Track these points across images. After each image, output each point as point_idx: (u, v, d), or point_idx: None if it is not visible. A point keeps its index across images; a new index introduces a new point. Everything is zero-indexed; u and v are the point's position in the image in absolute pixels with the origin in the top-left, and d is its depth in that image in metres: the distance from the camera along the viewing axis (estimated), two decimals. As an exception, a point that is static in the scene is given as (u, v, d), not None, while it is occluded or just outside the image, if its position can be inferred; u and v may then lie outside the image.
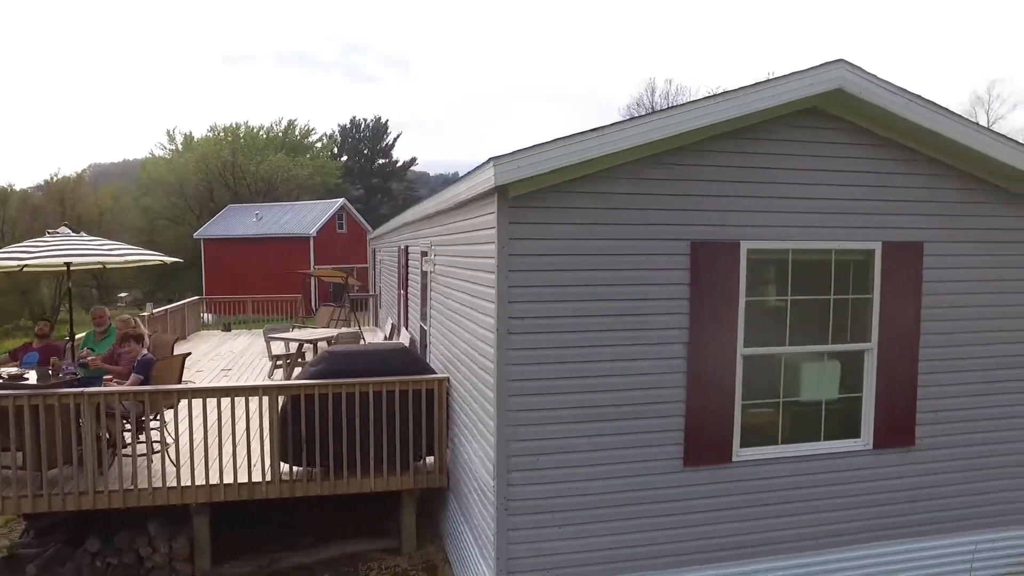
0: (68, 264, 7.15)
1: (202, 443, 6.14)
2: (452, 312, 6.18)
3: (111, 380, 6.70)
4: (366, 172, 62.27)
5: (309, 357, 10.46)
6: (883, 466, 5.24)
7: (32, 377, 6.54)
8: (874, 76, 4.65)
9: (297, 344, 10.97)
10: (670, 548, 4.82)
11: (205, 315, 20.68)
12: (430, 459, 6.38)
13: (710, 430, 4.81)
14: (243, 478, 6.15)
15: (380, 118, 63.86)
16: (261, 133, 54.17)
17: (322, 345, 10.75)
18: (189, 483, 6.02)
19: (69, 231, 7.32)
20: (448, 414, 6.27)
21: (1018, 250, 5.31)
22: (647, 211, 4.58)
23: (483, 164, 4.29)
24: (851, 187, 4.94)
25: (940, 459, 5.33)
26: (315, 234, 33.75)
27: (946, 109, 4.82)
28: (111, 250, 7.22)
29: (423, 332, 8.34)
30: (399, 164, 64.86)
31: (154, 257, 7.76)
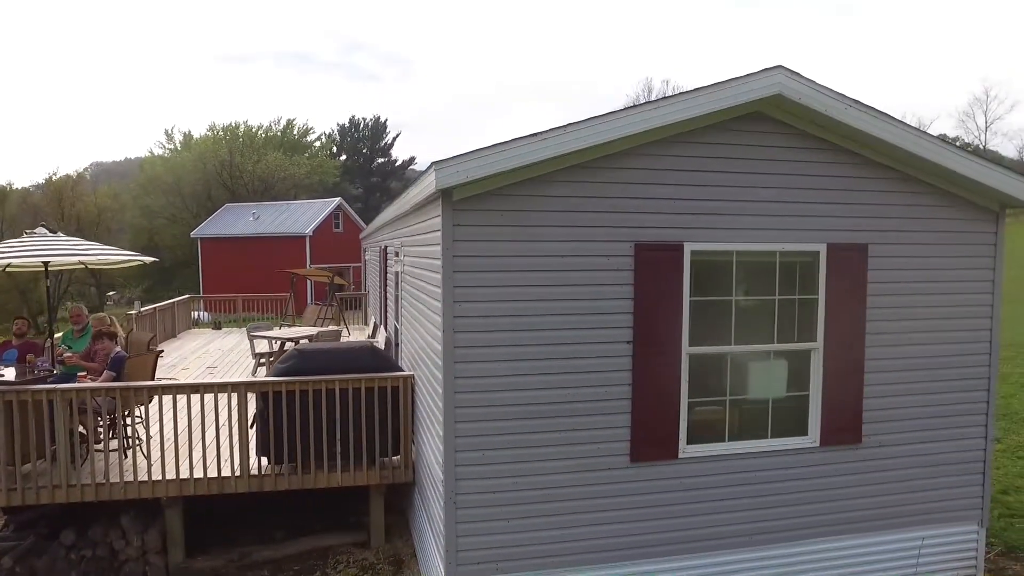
0: (46, 264, 7.31)
1: (173, 439, 6.29)
2: (414, 311, 6.33)
3: (86, 377, 6.86)
4: (365, 171, 62.44)
5: (291, 355, 10.61)
6: (830, 463, 5.37)
7: (9, 374, 6.71)
8: (813, 82, 4.78)
9: (280, 343, 11.14)
10: (617, 542, 4.96)
11: (201, 313, 20.87)
12: (397, 457, 6.53)
13: (656, 427, 4.94)
14: (213, 473, 6.30)
15: (379, 117, 64.04)
16: (260, 132, 54.36)
17: (303, 343, 10.91)
18: (160, 477, 6.17)
19: (47, 231, 7.48)
20: (413, 411, 6.42)
21: (960, 252, 5.44)
22: (591, 213, 4.72)
23: (428, 168, 4.43)
24: (795, 189, 5.07)
25: (886, 456, 5.45)
26: (311, 233, 33.91)
27: (885, 114, 4.95)
28: (87, 250, 7.38)
29: (396, 331, 8.49)
30: (398, 163, 65.01)
31: (131, 257, 7.91)
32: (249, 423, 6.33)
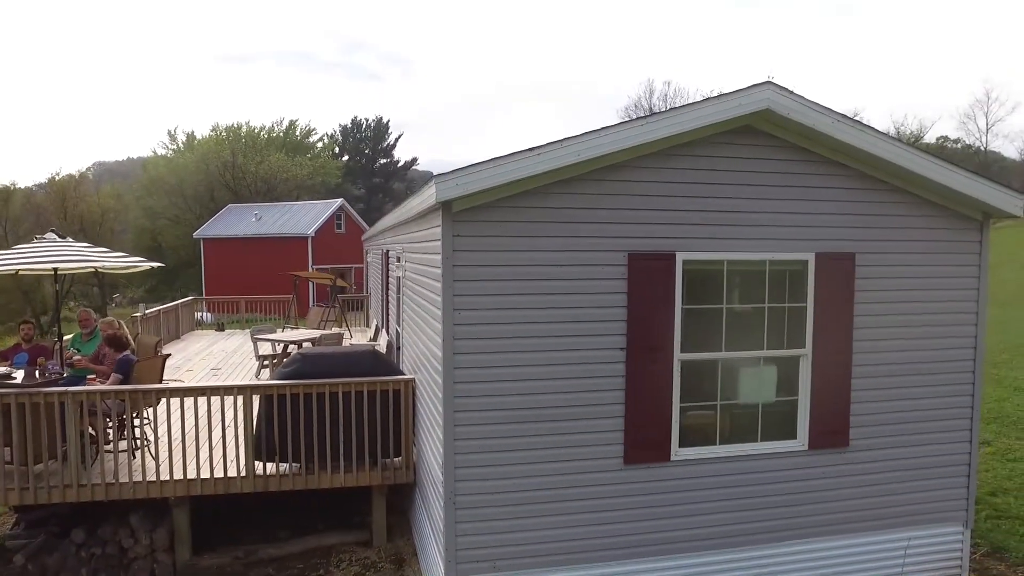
0: (56, 269, 7.50)
1: (181, 440, 6.46)
2: (415, 317, 6.50)
3: (95, 379, 7.03)
4: (367, 172, 62.67)
5: (294, 357, 10.79)
6: (818, 466, 5.53)
7: (20, 376, 6.89)
8: (801, 98, 4.95)
9: (283, 345, 11.31)
10: (611, 542, 5.13)
11: (204, 314, 21.06)
12: (398, 458, 6.70)
13: (649, 431, 5.11)
14: (219, 473, 6.47)
15: (381, 118, 64.28)
16: (262, 133, 54.60)
17: (307, 346, 11.08)
18: (168, 478, 6.34)
19: (56, 237, 7.66)
20: (414, 413, 6.59)
21: (945, 260, 5.60)
22: (587, 224, 4.88)
23: (429, 181, 4.60)
24: (784, 200, 5.23)
25: (873, 459, 5.61)
26: (313, 234, 34.12)
27: (872, 128, 5.11)
28: (96, 256, 7.55)
29: (397, 335, 8.67)
30: (400, 164, 65.25)
31: (139, 263, 8.09)
32: (254, 426, 6.50)
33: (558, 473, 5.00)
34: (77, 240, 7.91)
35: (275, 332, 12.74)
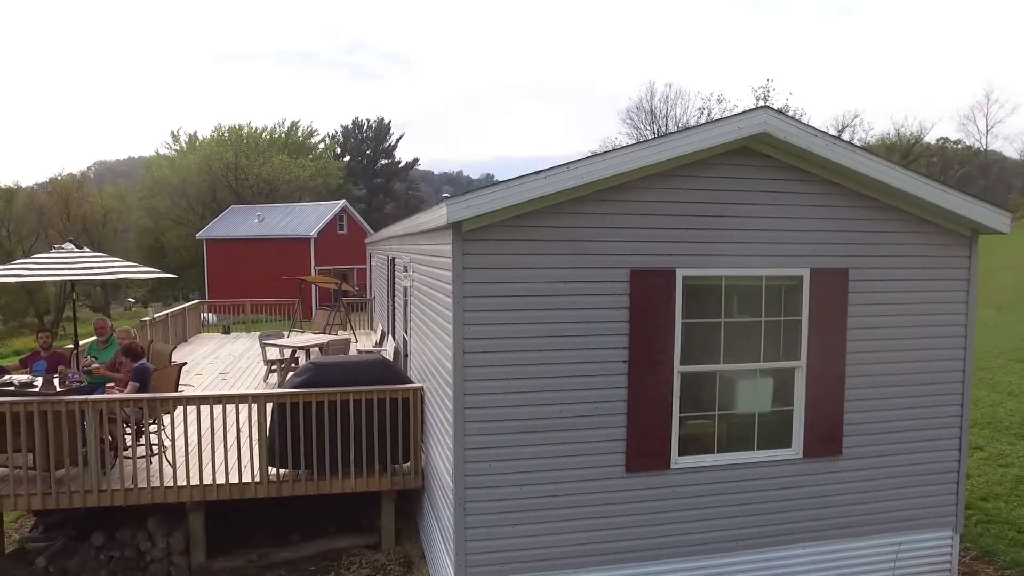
0: (73, 284, 7.70)
1: (196, 446, 6.68)
2: (424, 328, 6.72)
3: (113, 388, 7.25)
4: (369, 172, 62.94)
5: (302, 362, 11.01)
6: (813, 473, 5.75)
7: (40, 383, 7.10)
8: (796, 121, 5.16)
9: (291, 350, 11.53)
10: (613, 546, 5.35)
11: (207, 315, 21.27)
12: (407, 464, 6.92)
13: (650, 440, 5.33)
14: (234, 479, 6.69)
15: (383, 119, 64.57)
16: (264, 135, 54.83)
17: (314, 351, 11.31)
18: (185, 483, 6.56)
19: (73, 247, 7.87)
20: (422, 421, 6.81)
21: (935, 275, 5.81)
22: (591, 242, 5.10)
23: (439, 203, 4.82)
24: (780, 218, 5.44)
25: (865, 467, 5.83)
26: (316, 236, 34.33)
27: (864, 149, 5.33)
28: (113, 269, 7.74)
29: (404, 342, 8.88)
30: (401, 164, 65.52)
31: (151, 273, 8.29)
32: (267, 433, 6.72)
33: (563, 480, 5.22)
34: (80, 241, 8.10)
35: (282, 336, 12.95)
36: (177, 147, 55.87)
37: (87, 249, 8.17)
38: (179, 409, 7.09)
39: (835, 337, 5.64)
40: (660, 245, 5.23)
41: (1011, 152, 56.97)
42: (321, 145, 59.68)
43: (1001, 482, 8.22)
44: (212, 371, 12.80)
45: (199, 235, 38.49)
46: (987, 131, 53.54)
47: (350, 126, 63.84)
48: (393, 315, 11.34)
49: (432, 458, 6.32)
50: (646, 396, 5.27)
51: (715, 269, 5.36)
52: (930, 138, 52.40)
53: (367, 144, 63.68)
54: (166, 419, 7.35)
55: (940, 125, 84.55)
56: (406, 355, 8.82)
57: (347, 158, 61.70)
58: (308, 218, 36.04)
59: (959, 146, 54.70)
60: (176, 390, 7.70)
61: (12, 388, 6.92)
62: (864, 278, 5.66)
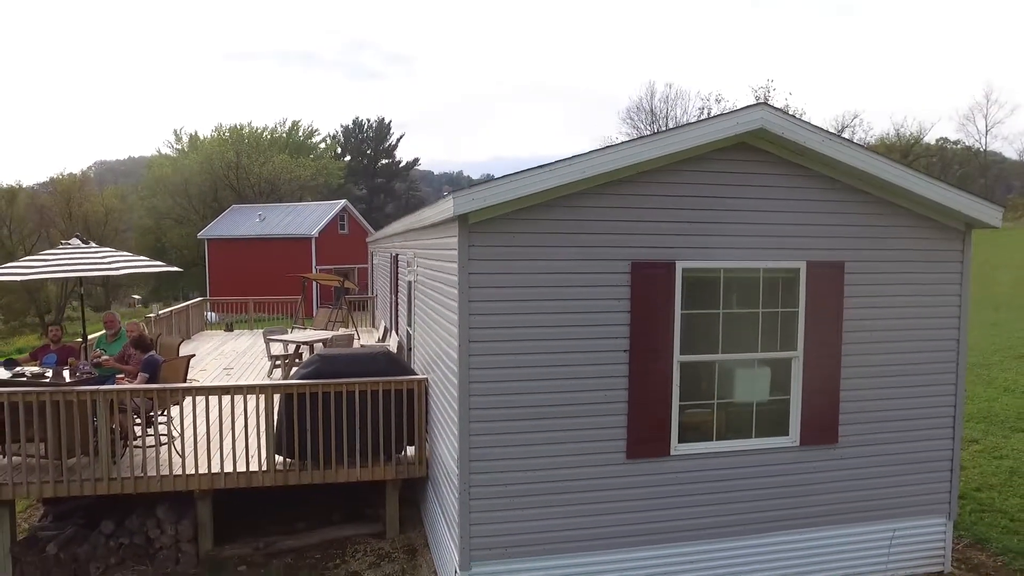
0: (81, 279, 7.83)
1: (204, 436, 6.81)
2: (429, 320, 6.85)
3: (123, 379, 7.39)
4: (369, 172, 63.10)
5: (306, 357, 11.14)
6: (809, 461, 5.88)
7: (51, 375, 7.24)
8: (793, 117, 5.30)
9: (295, 345, 11.66)
10: (614, 531, 5.48)
11: (209, 314, 21.39)
12: (411, 452, 7.05)
13: (650, 427, 5.46)
14: (241, 468, 6.82)
15: (383, 119, 64.76)
16: (265, 134, 54.98)
17: (318, 346, 11.43)
18: (193, 472, 6.69)
19: (80, 242, 7.99)
20: (427, 411, 6.94)
21: (929, 268, 5.94)
22: (593, 235, 5.24)
23: (445, 196, 4.95)
24: (778, 212, 5.58)
25: (861, 455, 5.96)
26: (317, 235, 34.47)
27: (859, 145, 5.47)
28: (120, 262, 7.87)
29: (409, 336, 9.02)
30: (402, 164, 65.70)
31: (158, 267, 8.41)
32: (275, 423, 6.85)
33: (565, 466, 5.35)
34: (82, 240, 8.21)
35: (286, 333, 13.08)
36: (179, 146, 56.05)
37: (94, 244, 8.29)
38: (187, 400, 7.22)
39: (831, 328, 5.78)
40: (660, 238, 5.36)
41: (1010, 152, 57.23)
42: (322, 145, 59.85)
43: (995, 473, 8.35)
44: (216, 367, 12.93)
45: (200, 234, 38.61)
46: (986, 131, 53.80)
47: (351, 126, 64.04)
48: (396, 311, 11.47)
49: (436, 447, 6.46)
50: (646, 384, 5.40)
51: (714, 261, 5.49)
52: (930, 138, 52.64)
53: (367, 144, 63.87)
54: (175, 410, 7.48)
55: (940, 125, 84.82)
56: (410, 348, 8.96)
57: (348, 158, 61.88)
58: (309, 217, 36.17)
59: (958, 146, 54.93)
60: (184, 382, 7.82)
61: (24, 379, 7.05)
62: (860, 271, 5.79)
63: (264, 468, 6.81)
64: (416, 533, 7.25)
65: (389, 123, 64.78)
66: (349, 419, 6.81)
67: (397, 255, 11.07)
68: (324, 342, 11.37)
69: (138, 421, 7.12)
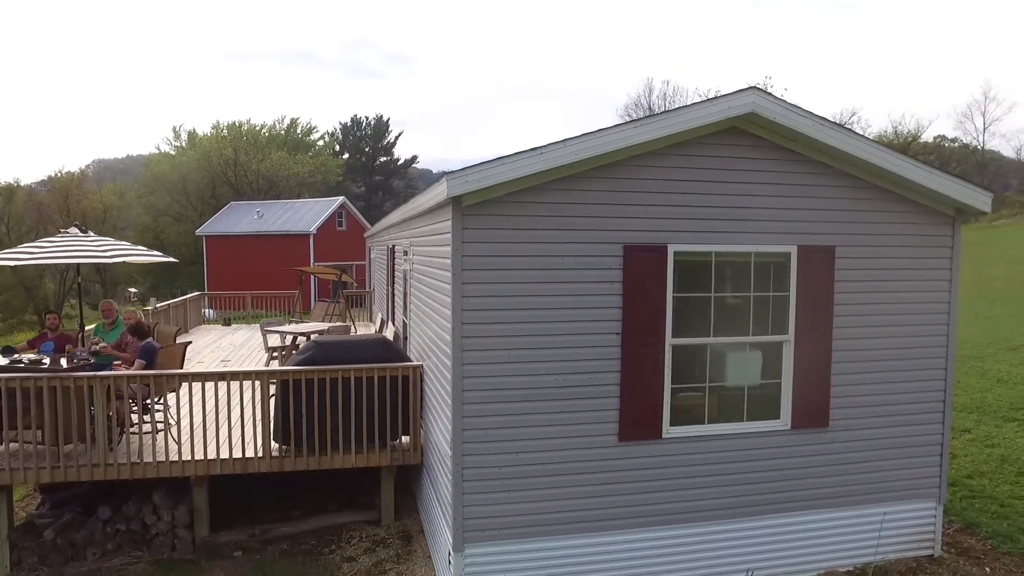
0: (79, 265, 7.86)
1: (201, 423, 6.85)
2: (424, 306, 6.89)
3: (120, 366, 7.42)
4: (368, 170, 63.05)
5: (303, 349, 11.17)
6: (800, 444, 5.93)
7: (48, 362, 7.27)
8: (784, 102, 5.34)
9: (292, 337, 11.69)
10: (606, 513, 5.52)
11: (207, 311, 21.42)
12: (406, 439, 7.09)
13: (642, 410, 5.50)
14: (237, 454, 6.86)
15: (382, 116, 64.71)
16: (263, 131, 54.94)
17: (315, 337, 11.46)
18: (189, 458, 6.73)
19: (78, 231, 8.02)
20: (422, 398, 6.98)
21: (919, 253, 5.99)
22: (585, 218, 5.28)
23: (439, 179, 4.99)
24: (769, 196, 5.62)
25: (851, 439, 6.01)
26: (315, 232, 34.47)
27: (850, 130, 5.51)
28: (118, 251, 7.91)
29: (404, 325, 9.06)
30: (400, 162, 65.63)
31: (155, 256, 8.45)
32: (271, 409, 6.89)
33: (557, 449, 5.39)
34: (81, 229, 8.24)
35: (284, 326, 13.11)
36: (177, 144, 55.99)
37: (92, 233, 8.32)
38: (184, 387, 7.25)
39: (822, 312, 5.82)
40: (652, 221, 5.41)
41: (1008, 150, 57.37)
42: (320, 142, 59.78)
43: (987, 461, 8.41)
44: (214, 359, 12.97)
45: (199, 231, 38.58)
46: (984, 129, 53.92)
47: (349, 123, 63.97)
48: (392, 302, 11.51)
49: (431, 433, 6.50)
50: (638, 367, 5.45)
51: (706, 245, 5.54)
52: (927, 136, 52.72)
53: (366, 141, 63.80)
54: (171, 397, 7.51)
55: (937, 123, 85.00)
56: (405, 338, 9.00)
57: (346, 155, 61.83)
58: (307, 214, 36.17)
59: (956, 144, 55.01)
60: (181, 368, 7.85)
61: (22, 365, 7.08)
62: (851, 255, 5.84)
63: (260, 454, 6.84)
64: (411, 520, 7.29)
65: (387, 120, 64.71)
66: (344, 405, 6.84)
67: (393, 246, 11.10)
68: (321, 333, 11.40)
69: (135, 407, 7.15)
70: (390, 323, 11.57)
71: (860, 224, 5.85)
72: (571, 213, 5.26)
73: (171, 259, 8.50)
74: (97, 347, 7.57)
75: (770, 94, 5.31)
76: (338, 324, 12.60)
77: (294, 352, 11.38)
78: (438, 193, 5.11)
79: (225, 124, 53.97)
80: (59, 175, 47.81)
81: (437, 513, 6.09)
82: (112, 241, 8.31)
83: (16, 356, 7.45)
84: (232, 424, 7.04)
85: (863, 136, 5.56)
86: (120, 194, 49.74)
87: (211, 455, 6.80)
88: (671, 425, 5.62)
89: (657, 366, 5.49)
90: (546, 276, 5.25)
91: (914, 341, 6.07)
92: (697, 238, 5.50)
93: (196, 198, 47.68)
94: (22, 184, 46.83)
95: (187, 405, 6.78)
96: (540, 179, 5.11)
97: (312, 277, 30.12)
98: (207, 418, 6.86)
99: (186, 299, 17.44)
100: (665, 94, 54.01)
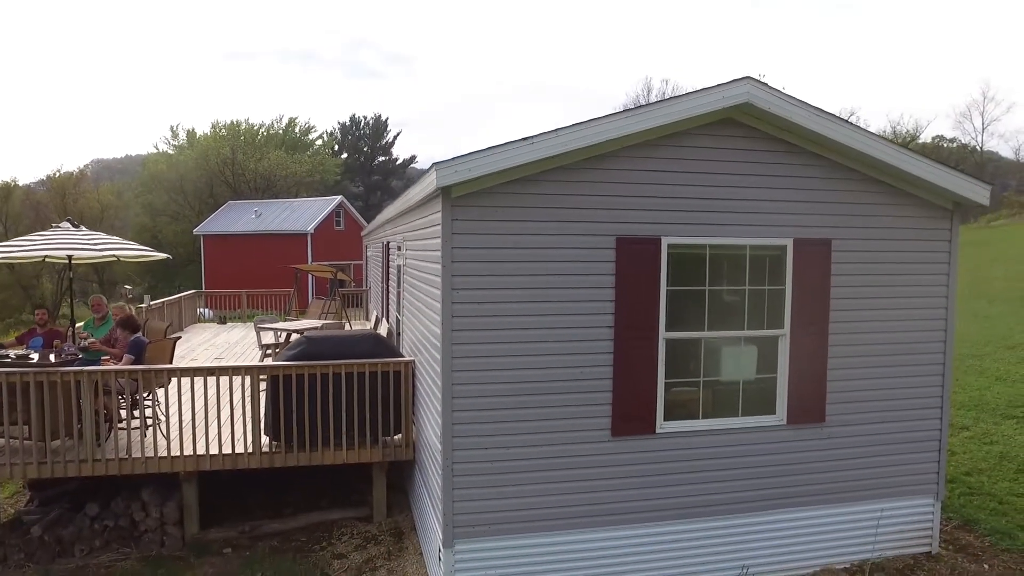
0: (70, 257, 7.78)
1: (191, 418, 6.77)
2: (415, 300, 6.81)
3: (109, 361, 7.34)
4: (366, 169, 62.95)
5: (297, 346, 11.09)
6: (796, 440, 5.85)
7: (36, 357, 7.18)
8: (779, 92, 5.27)
9: (285, 334, 11.61)
10: (598, 508, 5.44)
11: (203, 310, 21.32)
12: (398, 435, 7.01)
13: (635, 404, 5.42)
14: (227, 450, 6.78)
15: (380, 116, 64.57)
16: (261, 131, 54.83)
17: (306, 332, 11.38)
18: (179, 454, 6.65)
19: (71, 226, 7.95)
20: (413, 393, 6.90)
21: (917, 247, 5.92)
22: (578, 210, 5.20)
23: (430, 168, 4.91)
24: (764, 188, 5.55)
25: (848, 435, 5.93)
26: (313, 231, 34.38)
27: (846, 121, 5.44)
28: (109, 246, 7.84)
29: (398, 321, 8.98)
30: (399, 161, 65.51)
31: (149, 253, 8.38)
32: (261, 405, 6.81)
33: (549, 443, 5.31)
34: (73, 224, 8.16)
35: (278, 323, 13.03)
36: (176, 143, 55.86)
37: (84, 228, 8.25)
38: (173, 383, 7.17)
39: (818, 306, 5.75)
40: (646, 213, 5.33)
41: (1006, 151, 57.34)
42: (319, 142, 59.66)
43: (985, 459, 8.34)
44: (208, 356, 12.88)
45: (196, 230, 38.47)
46: (983, 129, 53.89)
47: (347, 123, 63.86)
48: (387, 299, 11.44)
49: (423, 428, 6.42)
50: (632, 361, 5.37)
51: (700, 238, 5.46)
52: (926, 136, 52.67)
53: (364, 141, 63.68)
54: (160, 393, 7.43)
55: (936, 123, 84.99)
56: (398, 333, 8.92)
57: (344, 155, 61.71)
58: (305, 213, 36.08)
59: (955, 144, 54.97)
60: (171, 364, 7.77)
61: (9, 360, 7.00)
62: (847, 248, 5.77)
63: (250, 450, 6.76)
64: (403, 517, 7.21)
65: (386, 120, 64.53)
66: (336, 402, 6.77)
67: (388, 242, 11.03)
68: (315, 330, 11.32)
69: (124, 403, 7.07)
70: (384, 320, 11.50)
71: (857, 217, 5.77)
72: (563, 205, 5.18)
73: (163, 255, 8.42)
74: (86, 342, 7.49)
75: (765, 84, 5.24)
76: (332, 322, 12.52)
77: (291, 343, 11.31)
78: (428, 183, 5.03)
79: (223, 124, 53.89)
80: (57, 175, 47.73)
81: (428, 509, 6.01)
82: (104, 236, 8.23)
83: (3, 351, 7.37)
84: (222, 420, 6.97)
85: (859, 126, 5.48)
86: (118, 193, 49.66)
87: (201, 451, 6.72)
88: (665, 420, 5.54)
89: (651, 360, 5.41)
90: (538, 268, 5.17)
91: (912, 336, 5.99)
92: (691, 231, 5.42)
93: (194, 197, 47.56)
94: (20, 183, 46.76)
95: (176, 401, 6.69)
96: (532, 170, 5.03)
97: (309, 276, 30.01)
98: (197, 414, 6.79)
99: (181, 297, 17.35)
100: (664, 93, 54.00)
